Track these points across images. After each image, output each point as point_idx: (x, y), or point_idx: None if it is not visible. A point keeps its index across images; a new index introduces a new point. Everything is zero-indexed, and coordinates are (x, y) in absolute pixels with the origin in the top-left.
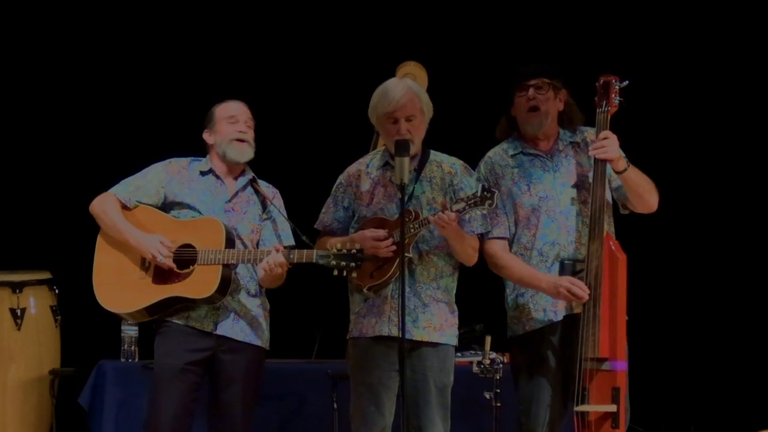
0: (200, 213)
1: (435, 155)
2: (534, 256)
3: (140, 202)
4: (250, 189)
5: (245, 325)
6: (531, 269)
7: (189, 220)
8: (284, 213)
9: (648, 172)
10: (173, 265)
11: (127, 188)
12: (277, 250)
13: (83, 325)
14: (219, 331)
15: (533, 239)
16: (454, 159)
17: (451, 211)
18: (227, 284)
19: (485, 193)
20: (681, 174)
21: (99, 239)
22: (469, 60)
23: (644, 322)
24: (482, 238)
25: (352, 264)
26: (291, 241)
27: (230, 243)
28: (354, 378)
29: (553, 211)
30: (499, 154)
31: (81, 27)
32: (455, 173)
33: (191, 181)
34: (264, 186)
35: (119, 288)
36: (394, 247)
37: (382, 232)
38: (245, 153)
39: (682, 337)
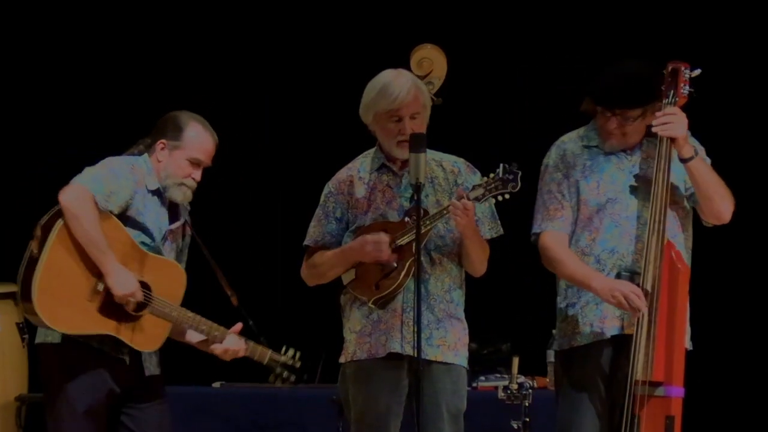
0: (153, 240)
1: (433, 154)
2: (591, 263)
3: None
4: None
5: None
6: (585, 267)
7: (154, 257)
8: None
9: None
10: (132, 310)
11: (102, 190)
12: (237, 332)
13: None
14: (148, 372)
15: (592, 244)
16: (454, 157)
17: (469, 199)
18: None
19: (507, 175)
20: (758, 177)
21: (59, 231)
22: (495, 42)
23: (701, 342)
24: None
25: (290, 376)
26: None
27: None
28: (356, 406)
29: (618, 216)
30: (574, 140)
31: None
32: (459, 172)
33: (145, 195)
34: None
35: (63, 301)
36: (395, 255)
37: (384, 237)
38: (186, 198)
39: (745, 360)
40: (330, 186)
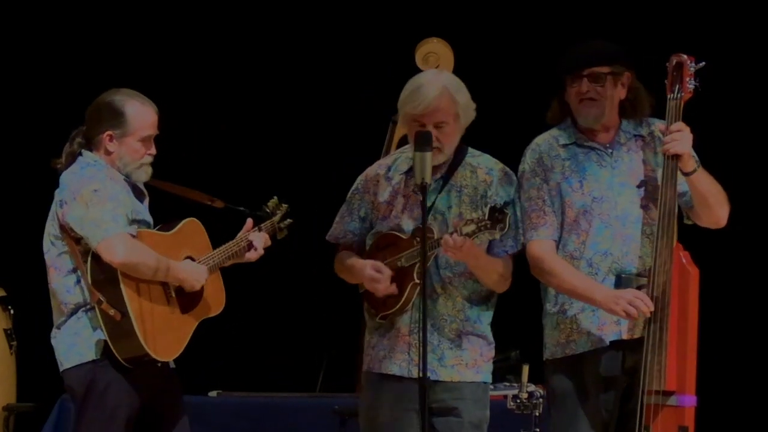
0: (149, 224)
1: (472, 156)
2: (582, 267)
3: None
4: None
5: None
6: (585, 278)
7: (175, 232)
8: None
9: (725, 171)
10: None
11: (123, 221)
12: (259, 229)
13: (43, 352)
14: (171, 366)
15: (582, 247)
16: (493, 162)
17: (460, 234)
18: None
19: (496, 214)
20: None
21: (124, 288)
22: (503, 35)
23: (713, 348)
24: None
25: (287, 220)
26: None
27: None
28: (363, 418)
29: (607, 216)
30: (548, 142)
31: None
32: (491, 183)
33: (128, 191)
34: None
35: (163, 333)
36: (393, 289)
37: (386, 271)
38: (149, 174)
39: (761, 368)
40: (358, 183)
